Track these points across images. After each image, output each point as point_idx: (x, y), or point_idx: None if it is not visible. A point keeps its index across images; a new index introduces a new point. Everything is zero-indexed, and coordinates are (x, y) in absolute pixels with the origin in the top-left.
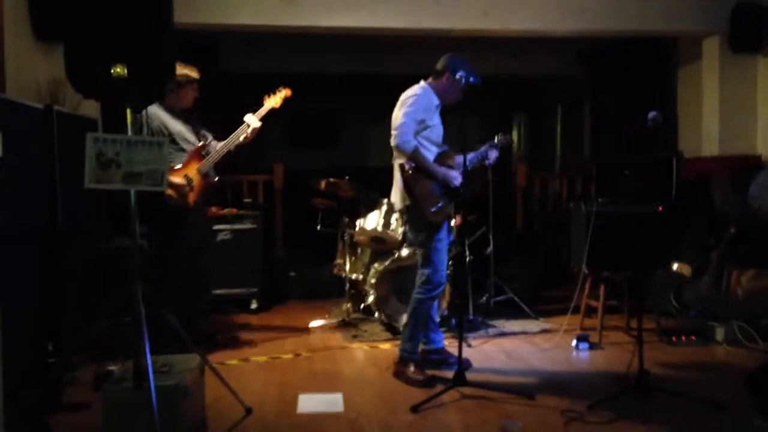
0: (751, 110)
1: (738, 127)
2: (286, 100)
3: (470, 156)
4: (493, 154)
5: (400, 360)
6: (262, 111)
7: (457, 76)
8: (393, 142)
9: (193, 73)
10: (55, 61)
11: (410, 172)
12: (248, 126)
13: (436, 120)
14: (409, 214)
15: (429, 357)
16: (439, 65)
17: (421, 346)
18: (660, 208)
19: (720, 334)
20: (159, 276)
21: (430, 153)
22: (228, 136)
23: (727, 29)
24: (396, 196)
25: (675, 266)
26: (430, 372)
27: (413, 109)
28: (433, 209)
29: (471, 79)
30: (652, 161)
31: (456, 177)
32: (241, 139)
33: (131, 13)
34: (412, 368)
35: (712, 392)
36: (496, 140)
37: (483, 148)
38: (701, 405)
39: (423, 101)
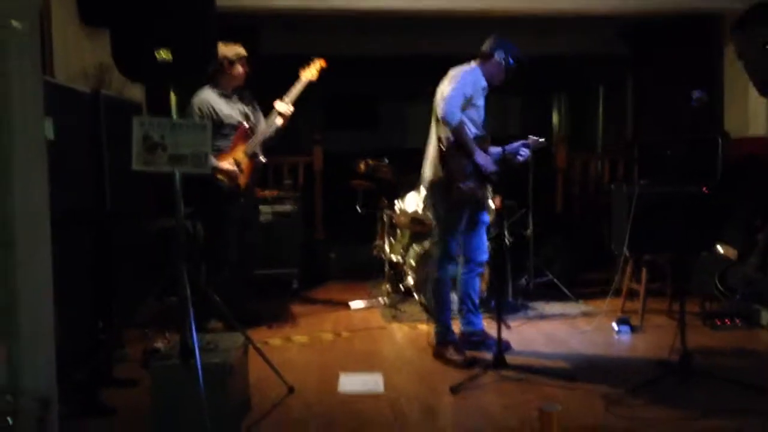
0: None
1: None
2: (322, 73)
3: (505, 148)
4: (525, 152)
5: (437, 341)
6: (298, 88)
7: (500, 58)
8: (439, 113)
9: (241, 50)
10: (101, 46)
11: (448, 146)
12: (278, 113)
13: (481, 101)
14: (435, 188)
15: (469, 339)
16: (485, 47)
17: (460, 328)
18: (705, 189)
19: (766, 318)
20: (210, 254)
21: (470, 133)
22: (267, 119)
23: None
24: (428, 169)
25: (720, 249)
26: (470, 353)
27: (462, 83)
28: (461, 185)
29: (511, 61)
30: (696, 141)
31: (490, 165)
32: (278, 123)
33: None
34: (451, 349)
35: (756, 376)
36: (529, 140)
37: (516, 144)
38: (744, 389)
39: (472, 78)
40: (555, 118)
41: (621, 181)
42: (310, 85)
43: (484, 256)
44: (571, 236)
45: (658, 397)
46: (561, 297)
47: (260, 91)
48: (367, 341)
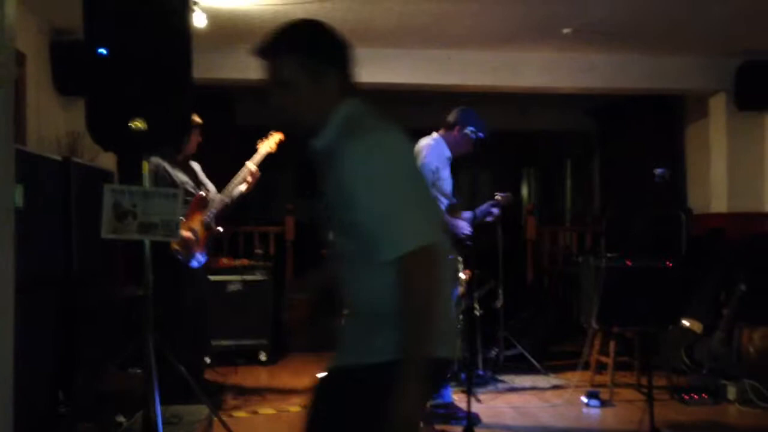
0: (758, 167)
1: (746, 184)
2: (281, 147)
3: (475, 212)
4: (495, 211)
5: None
6: (257, 157)
7: (467, 131)
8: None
9: (197, 118)
10: (74, 114)
11: None
12: (248, 170)
13: (446, 172)
14: None
15: (437, 411)
16: (451, 117)
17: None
18: (669, 264)
19: (732, 392)
20: (165, 328)
21: (441, 205)
22: (228, 186)
23: (733, 87)
24: None
25: (686, 322)
26: (438, 427)
27: (428, 160)
28: None
29: (480, 134)
30: (661, 217)
31: (464, 227)
32: (242, 187)
33: (152, 69)
34: (420, 423)
35: None
36: (498, 198)
37: (485, 206)
38: None
39: (436, 151)
40: (525, 191)
41: (588, 253)
42: (283, 155)
43: None
44: (541, 308)
45: None
46: (531, 369)
47: (235, 160)
48: None
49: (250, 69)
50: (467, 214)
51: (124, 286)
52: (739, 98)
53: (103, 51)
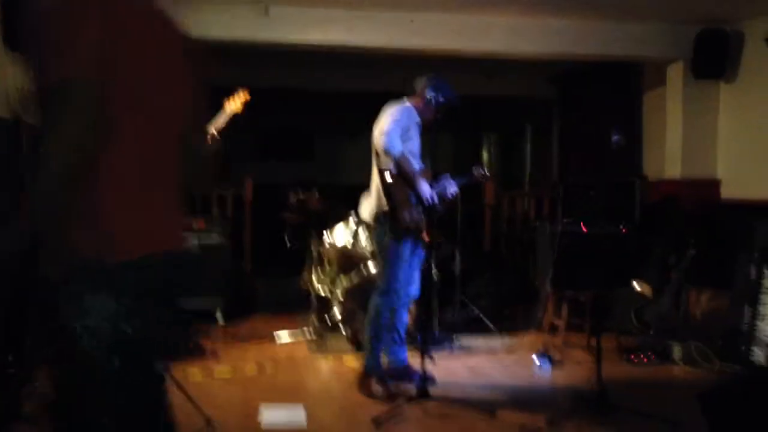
0: (712, 135)
1: (699, 151)
2: (248, 105)
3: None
4: (453, 189)
5: (363, 373)
6: (222, 119)
7: (430, 97)
8: (380, 146)
9: None
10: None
11: (392, 176)
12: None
13: (416, 136)
14: (381, 219)
15: (393, 372)
16: (416, 85)
17: (386, 360)
18: (624, 230)
19: (677, 353)
20: None
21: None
22: None
23: (690, 55)
24: (371, 202)
25: (636, 285)
26: (393, 386)
27: (399, 118)
28: (406, 214)
29: (441, 99)
30: (617, 183)
31: (432, 195)
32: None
33: None
34: (374, 382)
35: (668, 410)
36: (475, 174)
37: (442, 182)
38: (657, 422)
39: (407, 113)
40: (485, 157)
41: (545, 219)
42: (242, 116)
43: (415, 291)
44: (498, 272)
45: (575, 429)
46: (486, 331)
47: None
48: (291, 374)
49: (209, 27)
50: (443, 178)
51: None
52: (696, 66)
53: None
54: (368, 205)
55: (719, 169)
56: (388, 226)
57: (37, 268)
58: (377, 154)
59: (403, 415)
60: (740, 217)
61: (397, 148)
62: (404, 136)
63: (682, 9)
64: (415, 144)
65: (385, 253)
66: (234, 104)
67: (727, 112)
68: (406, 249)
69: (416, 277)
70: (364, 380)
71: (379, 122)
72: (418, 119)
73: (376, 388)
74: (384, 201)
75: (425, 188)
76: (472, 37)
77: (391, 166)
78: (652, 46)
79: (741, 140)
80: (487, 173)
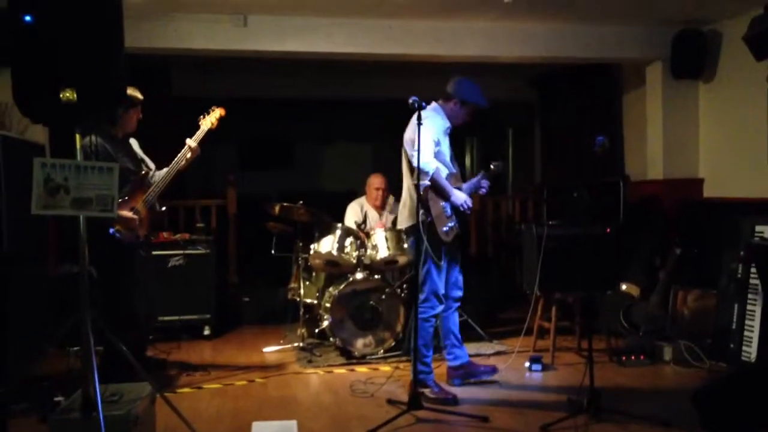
0: (692, 135)
1: (680, 151)
2: (224, 120)
3: (467, 184)
4: (485, 183)
5: (420, 384)
6: (199, 134)
7: (458, 100)
8: (415, 163)
9: (138, 94)
10: (1, 85)
11: (425, 192)
12: (189, 148)
13: (446, 142)
14: (417, 232)
15: (459, 371)
16: (448, 88)
17: (447, 363)
18: (608, 230)
19: (668, 353)
20: (106, 308)
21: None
22: (171, 164)
23: (669, 56)
24: (405, 213)
25: (624, 287)
26: (442, 391)
27: (432, 131)
28: (445, 229)
29: (470, 103)
30: (600, 184)
31: (466, 201)
32: (181, 164)
33: (80, 38)
34: (429, 388)
35: (660, 411)
36: (492, 167)
37: (475, 180)
38: (649, 423)
39: (437, 123)
40: (467, 160)
41: (530, 221)
42: (224, 128)
43: (459, 293)
44: (485, 276)
45: None
46: (476, 337)
47: (172, 133)
48: (281, 387)
49: (188, 39)
50: (466, 184)
51: (60, 263)
52: (674, 67)
53: (27, 18)
54: (403, 216)
55: (701, 168)
56: (426, 237)
57: None
58: (409, 165)
59: (397, 425)
60: (724, 215)
61: (432, 166)
62: (436, 148)
63: (659, 10)
64: (445, 150)
65: (423, 262)
66: (209, 121)
67: (706, 111)
68: (444, 257)
69: (459, 278)
70: (420, 389)
71: (407, 133)
72: (447, 124)
73: (432, 393)
74: (419, 213)
75: (459, 197)
76: (450, 42)
77: (426, 181)
78: (630, 47)
79: (722, 138)
80: (500, 165)
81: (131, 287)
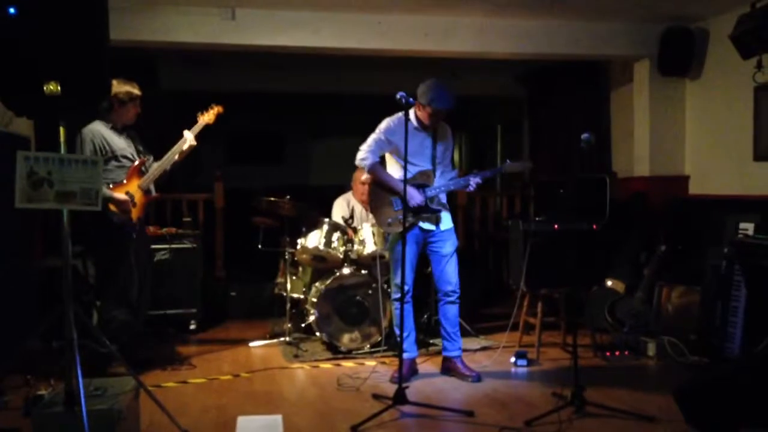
0: (679, 132)
1: (667, 147)
2: (220, 116)
3: (481, 175)
4: (474, 181)
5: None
6: (196, 128)
7: (423, 103)
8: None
9: (135, 90)
10: None
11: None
12: (185, 140)
13: (416, 141)
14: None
15: (443, 363)
16: (418, 90)
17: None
18: (594, 227)
19: (651, 349)
20: (104, 294)
21: (398, 170)
22: (167, 154)
23: (656, 53)
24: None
25: (609, 283)
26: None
27: (377, 132)
28: (390, 221)
29: (435, 105)
30: (587, 181)
31: (414, 197)
32: (177, 156)
33: (64, 30)
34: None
35: (644, 406)
36: (507, 162)
37: (489, 172)
38: (634, 418)
39: (389, 124)
40: (456, 156)
41: (517, 217)
42: (207, 126)
43: (448, 286)
44: (472, 272)
45: (554, 429)
46: (462, 332)
47: (159, 126)
48: (267, 382)
49: (176, 32)
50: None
51: (46, 256)
52: (662, 64)
53: (11, 10)
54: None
55: (687, 165)
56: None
57: None
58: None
59: (382, 420)
60: (709, 212)
61: (365, 161)
62: (388, 146)
63: (648, 7)
64: (411, 148)
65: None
66: (207, 117)
67: (693, 109)
68: (401, 251)
69: (446, 271)
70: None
71: None
72: (415, 124)
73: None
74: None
75: (411, 191)
76: (439, 37)
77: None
78: (618, 44)
79: (708, 136)
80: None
81: (122, 267)
